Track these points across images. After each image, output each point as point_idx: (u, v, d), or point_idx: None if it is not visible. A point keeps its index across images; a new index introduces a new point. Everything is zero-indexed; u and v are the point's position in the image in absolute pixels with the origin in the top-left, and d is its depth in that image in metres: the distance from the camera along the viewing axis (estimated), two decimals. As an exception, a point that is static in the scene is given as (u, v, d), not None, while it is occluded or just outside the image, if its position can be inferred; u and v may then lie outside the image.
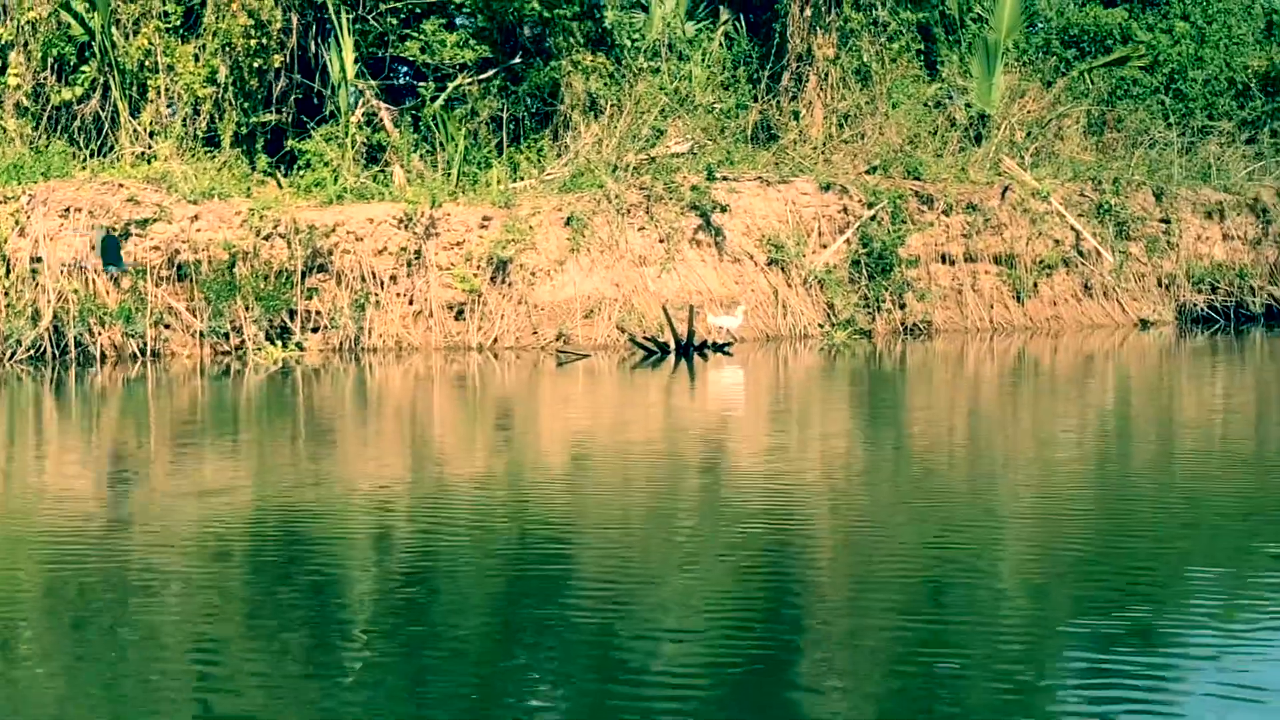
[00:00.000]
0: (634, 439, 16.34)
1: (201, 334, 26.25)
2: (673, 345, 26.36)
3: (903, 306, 30.69)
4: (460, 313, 27.52)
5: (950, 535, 10.46)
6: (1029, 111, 35.58)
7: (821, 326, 29.24)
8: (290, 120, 30.51)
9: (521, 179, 29.98)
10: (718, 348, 26.89)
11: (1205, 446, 15.38)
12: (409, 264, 27.50)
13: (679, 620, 8.33)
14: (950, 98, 35.51)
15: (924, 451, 15.19)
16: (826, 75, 33.38)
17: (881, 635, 7.98)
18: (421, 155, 30.21)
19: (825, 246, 30.29)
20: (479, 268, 27.45)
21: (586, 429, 17.44)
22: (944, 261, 31.54)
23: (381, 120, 30.53)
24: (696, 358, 26.03)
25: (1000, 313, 31.70)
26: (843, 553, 10.11)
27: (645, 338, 26.68)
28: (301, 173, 29.29)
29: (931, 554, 9.93)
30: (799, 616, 8.39)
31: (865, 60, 33.56)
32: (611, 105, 30.89)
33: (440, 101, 30.78)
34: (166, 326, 26.38)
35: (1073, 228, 32.66)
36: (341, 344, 27.12)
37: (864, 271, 30.43)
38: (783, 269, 29.69)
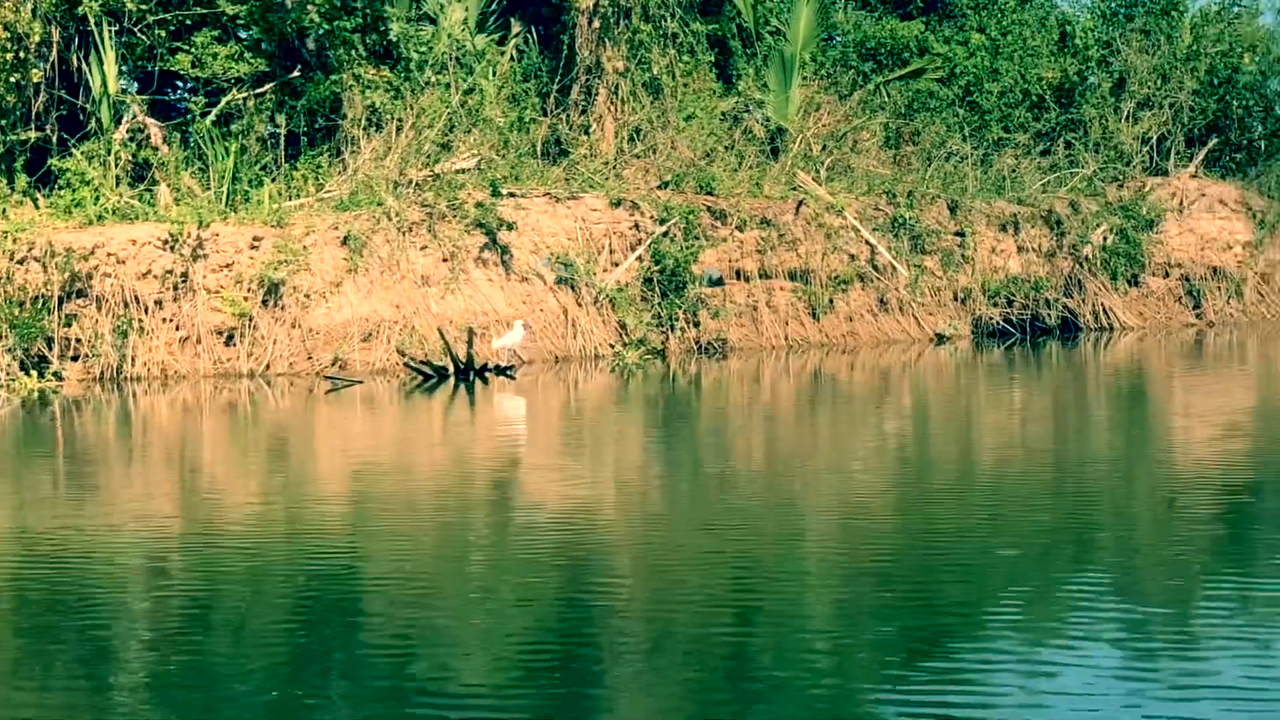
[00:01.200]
0: (416, 468, 16.11)
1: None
2: (452, 369, 26.04)
3: (697, 325, 30.78)
4: (230, 338, 26.88)
5: (750, 560, 10.44)
6: (824, 125, 35.92)
7: (613, 347, 29.12)
8: (55, 138, 29.42)
9: (298, 197, 29.27)
10: (500, 370, 26.73)
11: (1004, 462, 15.59)
12: (175, 287, 26.85)
13: (474, 656, 8.21)
14: (747, 111, 35.64)
15: (720, 474, 15.19)
16: (616, 89, 33.36)
17: (684, 665, 7.97)
18: (192, 173, 29.36)
19: (617, 264, 30.28)
20: (250, 291, 26.85)
21: (365, 460, 17.17)
22: (738, 278, 31.75)
23: (149, 137, 29.59)
24: (478, 382, 25.69)
25: (796, 329, 32.01)
26: (642, 579, 10.03)
27: (421, 361, 26.32)
28: (61, 193, 28.24)
29: (732, 580, 9.89)
30: (598, 647, 8.34)
31: (655, 73, 33.59)
32: (395, 120, 30.36)
33: (212, 117, 29.95)
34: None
35: (868, 242, 33.13)
36: (103, 373, 26.40)
37: (657, 289, 30.45)
38: (572, 288, 29.62)
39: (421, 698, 7.42)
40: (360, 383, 25.39)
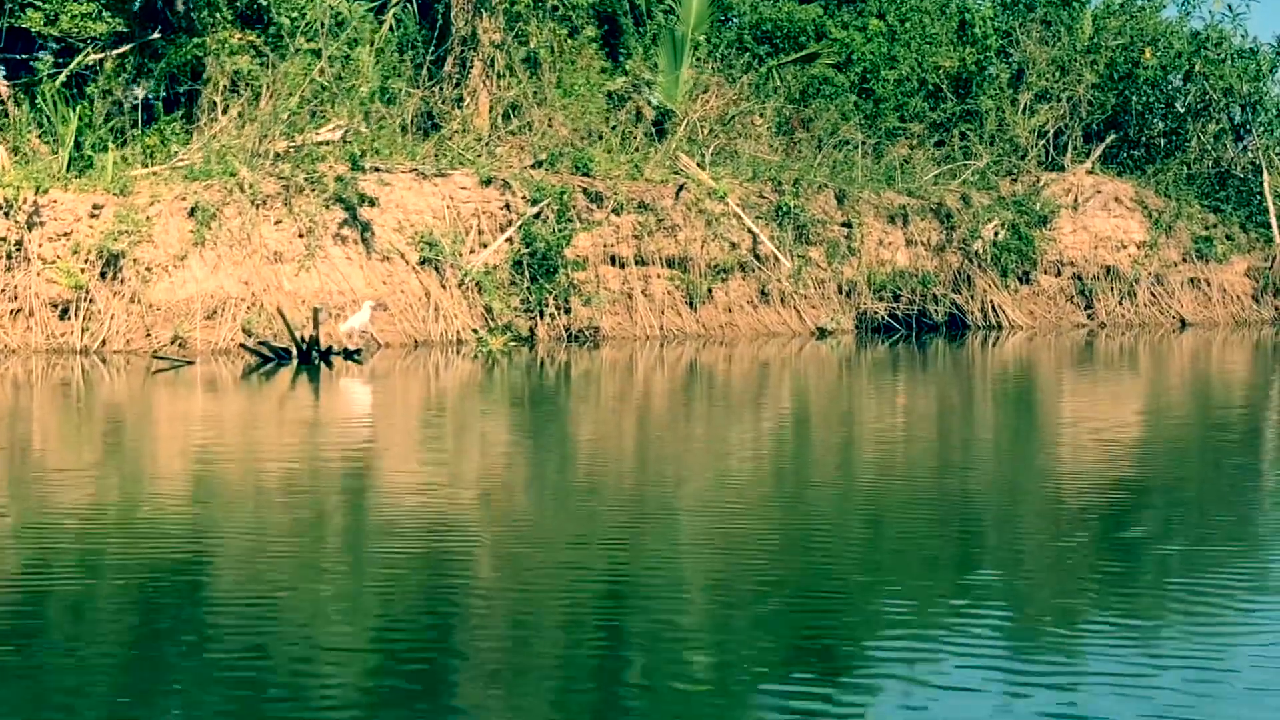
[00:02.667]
0: (261, 460, 15.55)
1: None
2: (295, 352, 25.45)
3: (568, 311, 30.51)
4: (65, 312, 26.14)
5: (619, 567, 10.21)
6: (712, 108, 35.60)
7: (475, 332, 28.67)
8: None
9: (149, 165, 28.45)
10: (348, 355, 26.26)
11: (885, 463, 15.49)
12: (8, 256, 26.19)
13: (327, 667, 7.88)
14: (636, 91, 35.21)
15: (590, 470, 14.93)
16: (492, 62, 32.82)
17: (549, 668, 7.85)
18: (40, 136, 28.46)
19: (485, 245, 29.89)
20: (88, 262, 26.19)
21: (206, 449, 16.52)
22: (613, 264, 31.51)
23: (-12, 96, 28.72)
24: (323, 367, 25.23)
25: (672, 319, 31.82)
26: (503, 585, 9.75)
27: (260, 343, 25.84)
28: (-110, 153, 27.30)
29: (600, 582, 9.73)
30: (457, 657, 8.08)
31: (534, 46, 33.01)
32: (258, 88, 29.60)
33: (62, 78, 29.03)
34: None
35: (750, 230, 33.02)
36: None
37: (526, 273, 30.10)
38: (437, 269, 29.21)
39: (270, 711, 7.14)
40: (192, 363, 24.83)
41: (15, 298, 26.19)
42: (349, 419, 20.05)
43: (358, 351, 26.30)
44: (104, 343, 26.14)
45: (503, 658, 7.94)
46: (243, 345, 25.98)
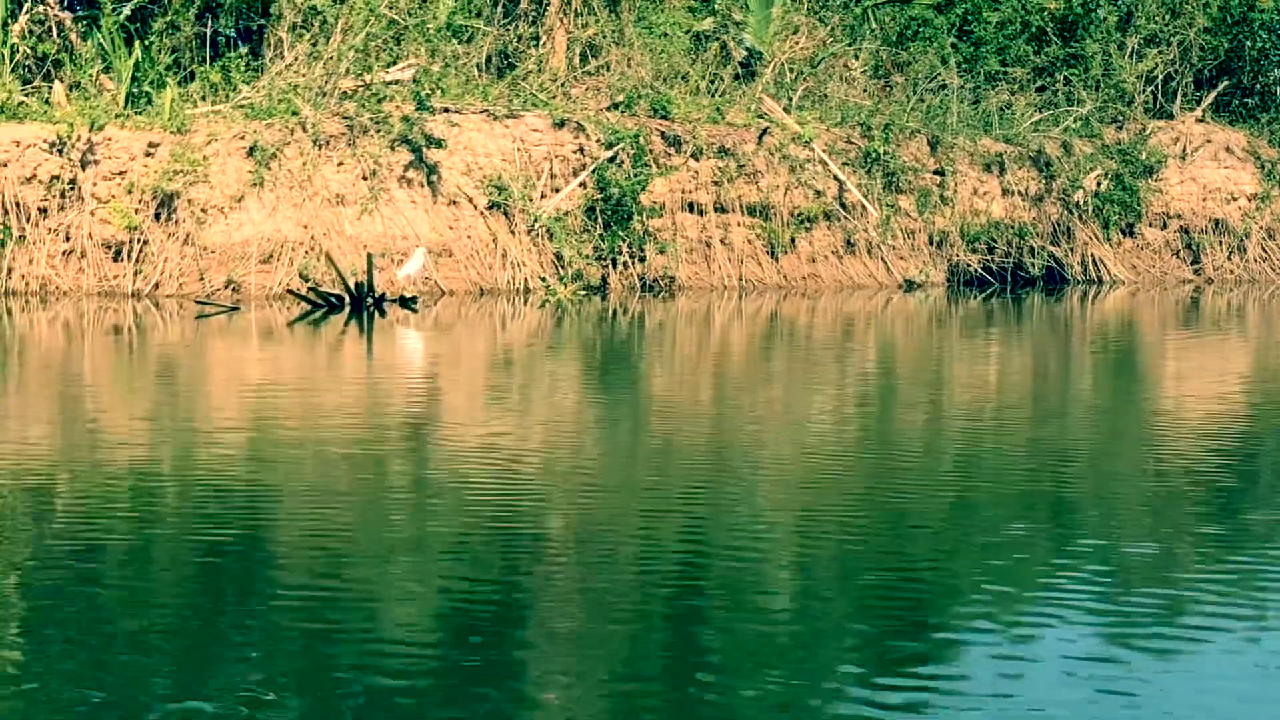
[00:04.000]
0: (323, 411, 15.18)
1: None
2: (347, 299, 25.04)
3: (642, 260, 29.94)
4: (119, 254, 25.95)
5: (702, 524, 9.92)
6: (801, 49, 34.70)
7: (544, 280, 28.17)
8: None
9: (211, 103, 28.00)
10: (404, 302, 25.78)
11: (977, 423, 15.05)
12: (62, 195, 25.89)
13: (397, 618, 7.73)
14: (726, 30, 34.36)
15: (664, 426, 14.48)
16: (570, -1, 32.05)
17: (623, 632, 7.51)
18: (99, 72, 28.07)
19: (557, 190, 29.34)
20: (142, 202, 25.79)
21: (264, 399, 16.21)
22: (691, 211, 30.87)
23: (51, 29, 28.28)
24: (376, 315, 24.82)
25: (752, 269, 31.20)
26: (575, 539, 9.52)
27: (310, 288, 25.41)
28: (-53, 87, 27.06)
29: (675, 541, 9.42)
30: (531, 614, 7.85)
31: (614, -19, 32.31)
32: (332, 24, 29.07)
33: (126, 11, 28.61)
34: None
35: (836, 177, 32.24)
36: None
37: (599, 220, 29.53)
38: (506, 214, 28.69)
39: (339, 658, 6.97)
40: (236, 309, 24.55)
41: (68, 238, 25.99)
42: (410, 370, 19.67)
43: (414, 299, 25.88)
44: (156, 286, 25.92)
45: (574, 614, 7.75)
46: (290, 291, 25.63)
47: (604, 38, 32.27)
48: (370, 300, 24.92)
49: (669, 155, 30.55)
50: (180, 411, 15.13)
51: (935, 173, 33.67)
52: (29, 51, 28.18)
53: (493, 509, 10.21)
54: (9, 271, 25.54)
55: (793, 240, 31.55)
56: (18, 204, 25.56)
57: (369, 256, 25.30)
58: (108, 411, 15.11)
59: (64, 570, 8.47)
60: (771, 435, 14.03)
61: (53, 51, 28.33)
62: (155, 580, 8.46)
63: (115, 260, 26.01)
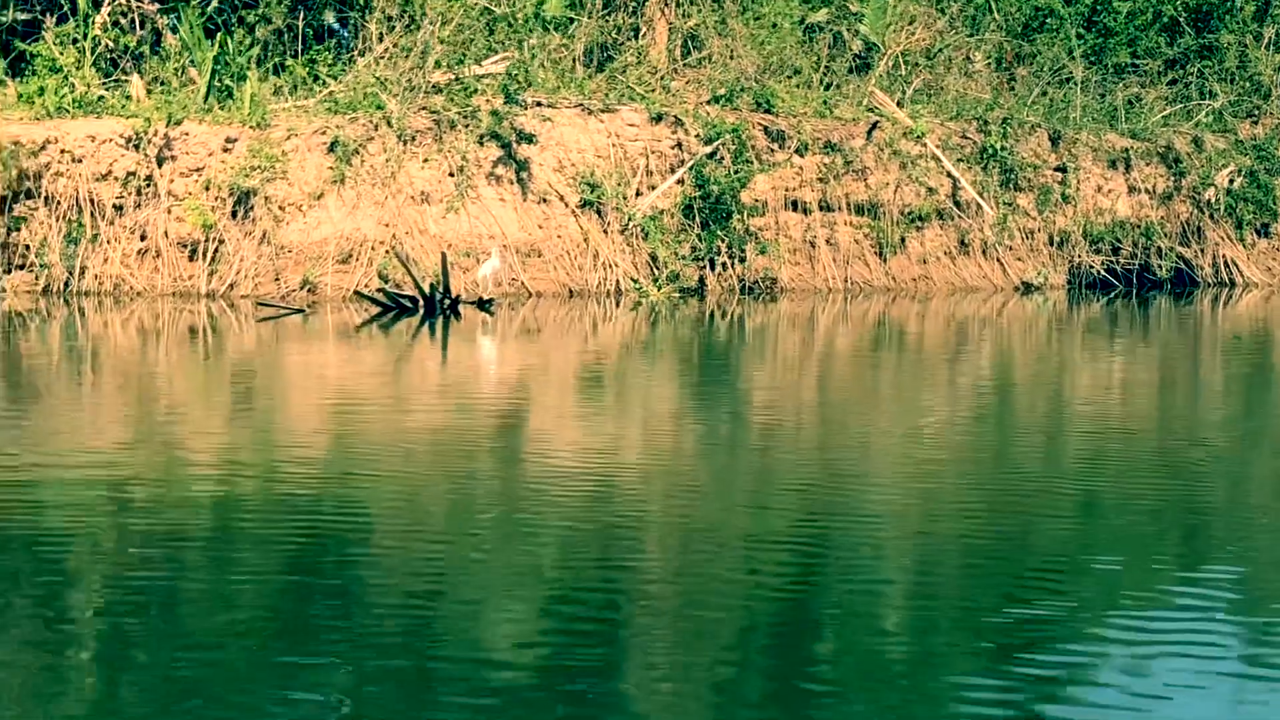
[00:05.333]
0: (408, 419, 14.86)
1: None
2: (421, 301, 24.61)
3: (742, 260, 29.33)
4: (195, 253, 25.76)
5: (808, 538, 9.69)
6: (917, 40, 33.82)
7: (635, 282, 27.64)
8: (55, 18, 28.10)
9: (301, 96, 27.53)
10: (481, 304, 25.30)
11: (1098, 436, 14.50)
12: (138, 192, 25.63)
13: (496, 630, 7.62)
14: (842, 20, 33.52)
15: (767, 437, 14.08)
16: (672, -14, 31.44)
17: (734, 654, 7.32)
18: (183, 65, 27.70)
19: (653, 187, 28.85)
20: (218, 199, 25.57)
21: (345, 404, 15.94)
22: (795, 209, 30.25)
23: (135, 22, 27.94)
24: (452, 317, 24.40)
25: (859, 271, 30.58)
26: (674, 553, 9.34)
27: (379, 290, 24.96)
28: (30, 80, 26.72)
29: (783, 558, 9.15)
30: (631, 623, 7.75)
31: (718, -30, 31.62)
32: (425, 16, 28.56)
33: (215, 3, 28.20)
34: None
35: (950, 174, 31.51)
36: (49, 285, 25.32)
37: (697, 218, 28.95)
38: (599, 212, 28.21)
39: (435, 671, 6.91)
40: (301, 311, 24.16)
41: (144, 237, 25.71)
42: (498, 376, 19.27)
43: (490, 301, 25.42)
44: (231, 286, 25.63)
45: (677, 628, 7.62)
46: (359, 293, 25.26)
47: (706, 28, 31.59)
48: (446, 302, 24.46)
49: (772, 151, 29.98)
50: (260, 419, 14.87)
51: (1056, 169, 32.89)
52: (111, 44, 27.83)
53: (590, 519, 10.08)
54: (82, 271, 25.29)
55: (902, 240, 30.90)
56: (92, 200, 25.30)
57: (443, 256, 24.85)
58: (187, 420, 14.84)
59: (150, 580, 8.35)
60: (880, 447, 13.59)
61: (134, 44, 27.96)
62: (242, 587, 8.35)
63: (191, 259, 25.76)
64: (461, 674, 6.86)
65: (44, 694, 6.55)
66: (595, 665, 6.97)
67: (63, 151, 25.24)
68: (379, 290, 24.90)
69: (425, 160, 26.89)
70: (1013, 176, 32.05)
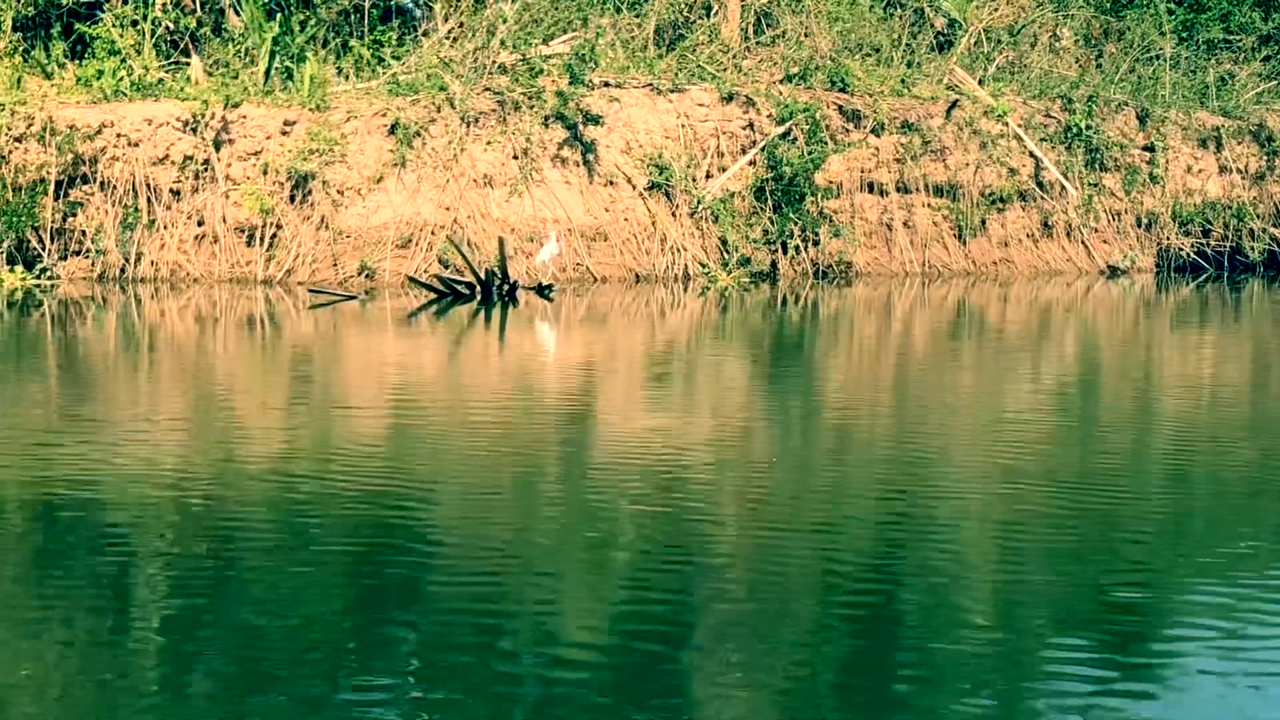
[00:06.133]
0: (470, 408, 14.82)
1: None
2: (478, 287, 24.33)
3: (815, 244, 28.87)
4: (252, 238, 25.58)
5: (883, 525, 9.63)
6: (1001, 17, 33.13)
7: (703, 266, 27.32)
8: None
9: (364, 77, 27.24)
10: (540, 290, 25.04)
11: (1187, 425, 14.30)
12: (196, 176, 25.51)
13: (568, 619, 7.67)
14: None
15: (842, 426, 13.91)
16: (744, -36, 30.94)
17: (811, 647, 7.27)
18: (245, 46, 27.48)
19: (723, 169, 28.43)
20: (276, 184, 25.41)
21: (408, 392, 15.89)
22: (871, 191, 29.77)
23: (196, 1, 27.74)
24: (509, 303, 24.14)
25: (938, 254, 30.05)
26: (754, 543, 9.24)
27: (434, 276, 24.65)
28: (87, 62, 26.56)
29: (858, 548, 9.10)
30: (704, 616, 7.74)
31: (790, -53, 31.07)
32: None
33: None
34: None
35: (1032, 154, 30.89)
36: (104, 272, 25.25)
37: (769, 201, 28.54)
38: (667, 195, 27.78)
39: (506, 656, 7.01)
40: (353, 298, 23.99)
41: (201, 222, 25.57)
42: (564, 363, 19.03)
43: (549, 287, 25.16)
44: (289, 273, 25.42)
45: (752, 616, 7.63)
46: (411, 278, 24.97)
47: (780, 5, 31.09)
48: (505, 288, 24.18)
49: (847, 131, 29.51)
50: (321, 407, 14.79)
51: (1144, 149, 32.21)
52: (171, 26, 27.60)
53: (661, 508, 10.00)
54: (138, 257, 25.14)
55: (983, 222, 30.35)
56: (148, 185, 25.15)
57: (500, 241, 24.59)
58: (247, 408, 14.78)
59: (215, 568, 8.41)
60: (961, 437, 13.36)
61: (195, 26, 27.72)
62: (310, 576, 8.35)
63: (248, 245, 25.59)
64: (533, 659, 6.86)
65: (112, 680, 6.54)
66: (668, 653, 6.96)
67: (119, 135, 25.13)
68: (434, 276, 24.64)
69: (488, 143, 26.60)
70: (1098, 156, 31.40)
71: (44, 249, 24.72)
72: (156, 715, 6.23)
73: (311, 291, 24.35)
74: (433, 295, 24.27)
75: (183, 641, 7.10)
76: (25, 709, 6.28)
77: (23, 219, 24.33)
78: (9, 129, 24.59)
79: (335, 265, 25.34)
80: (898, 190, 29.77)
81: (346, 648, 7.15)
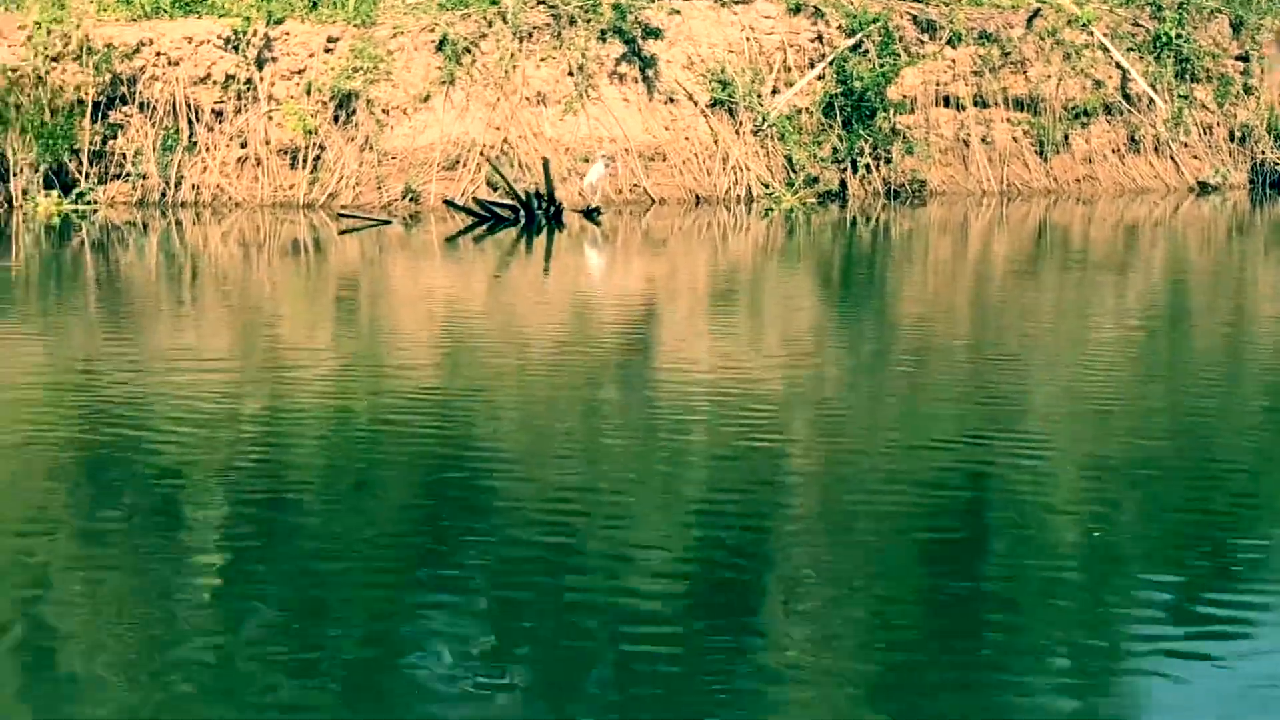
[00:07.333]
0: (524, 333, 14.73)
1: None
2: (520, 209, 23.91)
3: (887, 161, 28.28)
4: (295, 160, 25.35)
5: (960, 456, 9.44)
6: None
7: (768, 187, 26.89)
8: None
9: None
10: (587, 213, 24.59)
11: None
12: (239, 96, 25.21)
13: (637, 553, 7.56)
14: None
15: (917, 354, 13.68)
16: None
17: (895, 578, 7.20)
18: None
19: (790, 84, 27.87)
20: (321, 103, 25.08)
21: (458, 320, 15.81)
22: (946, 105, 29.12)
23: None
24: (555, 227, 23.82)
25: (1017, 172, 29.31)
26: (828, 474, 9.17)
27: (474, 200, 24.25)
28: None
29: (936, 480, 8.92)
30: (783, 548, 7.67)
31: None
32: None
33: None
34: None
35: (1119, 65, 30.12)
36: (144, 196, 24.94)
37: (838, 117, 27.94)
38: (730, 112, 27.22)
39: (574, 593, 6.91)
40: (388, 222, 23.66)
41: (244, 144, 25.27)
42: (622, 289, 18.81)
43: (597, 210, 24.72)
44: (332, 196, 25.10)
45: (827, 547, 7.56)
46: (448, 202, 24.55)
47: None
48: (551, 210, 23.82)
49: (921, 42, 28.93)
50: (369, 337, 14.75)
51: (1238, 58, 31.28)
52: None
53: (730, 437, 9.85)
54: (178, 181, 24.83)
55: (1065, 138, 29.62)
56: (189, 105, 24.85)
57: (545, 163, 24.23)
58: (295, 339, 14.71)
59: (273, 503, 8.34)
60: (1042, 365, 13.16)
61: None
62: (367, 511, 8.31)
63: (291, 168, 25.30)
64: (603, 588, 6.90)
65: (171, 613, 6.59)
66: (743, 580, 6.99)
67: (158, 54, 24.85)
68: (473, 199, 24.31)
69: (542, 59, 26.23)
70: (1189, 67, 30.56)
71: (82, 173, 24.41)
72: (216, 653, 6.22)
73: (341, 216, 24.06)
74: (473, 219, 23.95)
75: (241, 577, 7.10)
76: (84, 649, 6.23)
77: (60, 142, 24.04)
78: (45, 48, 24.28)
79: (379, 188, 25.05)
80: (975, 104, 29.14)
81: (411, 579, 7.16)
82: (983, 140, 29.01)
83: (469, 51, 25.66)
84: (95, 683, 5.87)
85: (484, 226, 23.47)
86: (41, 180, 24.02)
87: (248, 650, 6.18)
